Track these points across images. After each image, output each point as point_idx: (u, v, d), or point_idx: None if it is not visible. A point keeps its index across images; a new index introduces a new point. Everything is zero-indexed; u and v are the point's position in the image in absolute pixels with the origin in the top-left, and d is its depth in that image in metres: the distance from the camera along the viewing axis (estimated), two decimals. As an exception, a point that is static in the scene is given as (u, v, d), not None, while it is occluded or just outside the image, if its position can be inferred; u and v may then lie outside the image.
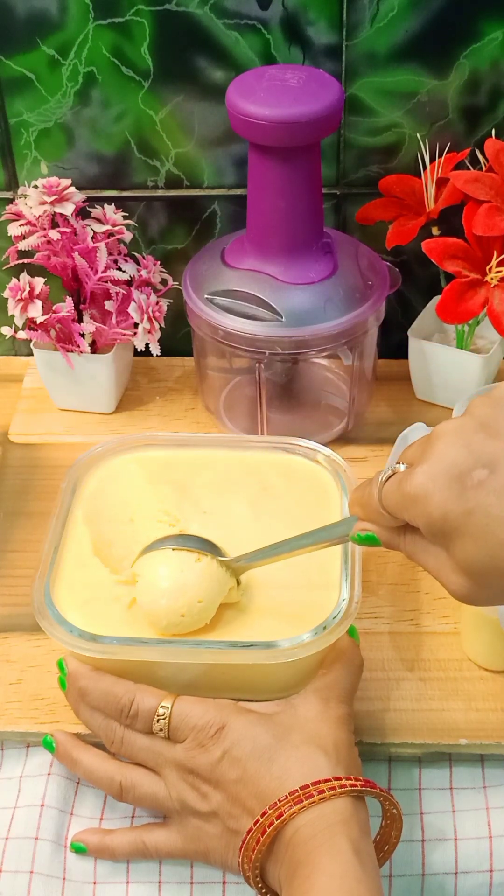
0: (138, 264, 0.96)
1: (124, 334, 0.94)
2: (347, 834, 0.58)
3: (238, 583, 0.72)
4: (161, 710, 0.64)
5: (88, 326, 0.93)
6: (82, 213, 0.95)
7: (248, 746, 0.62)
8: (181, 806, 0.64)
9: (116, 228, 0.94)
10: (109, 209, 0.94)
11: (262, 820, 0.59)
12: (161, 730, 0.64)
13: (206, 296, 0.88)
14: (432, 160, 0.92)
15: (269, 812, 0.59)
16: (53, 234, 0.90)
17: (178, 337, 1.03)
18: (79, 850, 0.67)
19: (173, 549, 0.71)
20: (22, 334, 0.93)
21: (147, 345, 0.93)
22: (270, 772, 0.61)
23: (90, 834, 0.67)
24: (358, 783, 0.60)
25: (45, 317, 0.91)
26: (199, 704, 0.64)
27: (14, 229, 0.91)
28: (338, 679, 0.66)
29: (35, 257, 0.92)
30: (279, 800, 0.59)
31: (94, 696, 0.66)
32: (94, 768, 0.67)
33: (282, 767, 0.61)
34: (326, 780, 0.60)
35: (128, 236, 0.94)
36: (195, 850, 0.64)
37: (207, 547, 0.71)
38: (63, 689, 0.70)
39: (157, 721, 0.64)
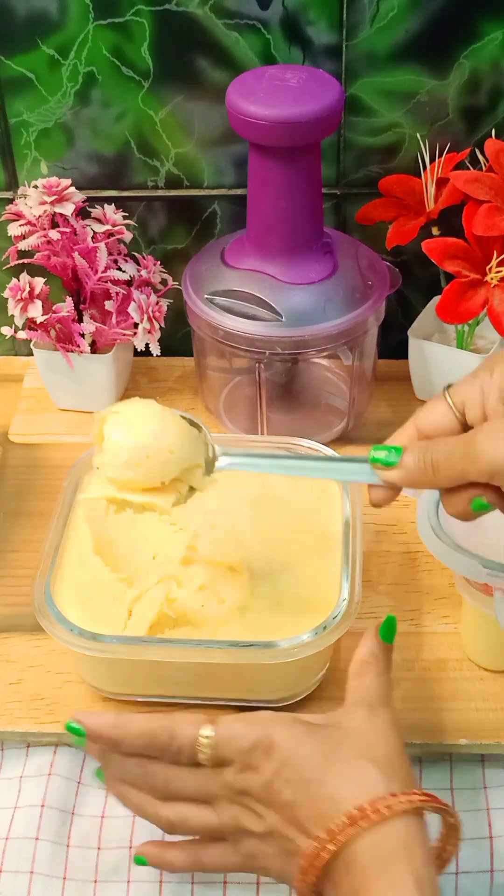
0: (138, 264, 0.96)
1: (124, 334, 0.94)
2: (409, 864, 0.54)
3: (209, 471, 0.67)
4: (202, 740, 0.58)
5: (88, 326, 0.93)
6: (82, 213, 0.95)
7: (298, 766, 0.57)
8: (235, 829, 0.59)
9: (116, 228, 0.94)
10: (109, 209, 0.94)
11: (317, 845, 0.55)
12: (207, 759, 0.58)
13: (206, 296, 0.88)
14: (432, 160, 0.92)
15: (324, 837, 0.55)
16: (53, 234, 0.90)
17: (178, 337, 1.03)
18: (140, 862, 0.63)
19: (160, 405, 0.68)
20: (22, 334, 0.93)
21: (147, 345, 0.93)
22: (323, 792, 0.56)
23: (150, 847, 0.63)
24: (415, 798, 0.56)
25: (45, 317, 0.91)
26: (240, 724, 0.58)
27: (14, 229, 0.91)
28: (374, 683, 0.62)
29: (35, 257, 0.92)
30: (334, 825, 0.55)
31: (129, 742, 0.59)
32: (142, 804, 0.62)
33: (334, 787, 0.56)
34: (382, 798, 0.55)
35: (128, 236, 0.94)
36: (253, 868, 0.60)
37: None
38: (79, 744, 0.61)
39: (201, 752, 0.58)
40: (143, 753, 0.59)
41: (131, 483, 0.65)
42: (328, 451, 0.80)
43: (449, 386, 0.59)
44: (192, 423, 0.67)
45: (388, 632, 0.62)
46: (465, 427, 0.58)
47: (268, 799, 0.57)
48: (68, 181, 0.92)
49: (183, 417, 0.68)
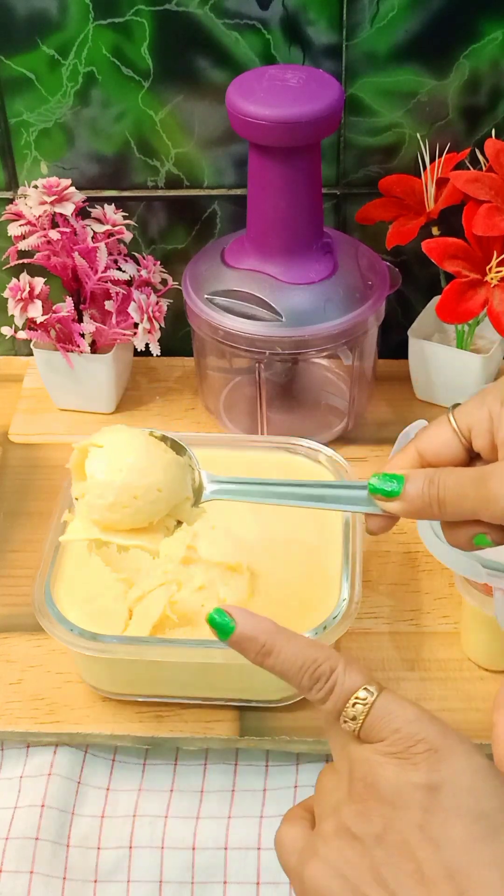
0: (138, 264, 0.96)
1: (124, 334, 0.94)
2: None
3: (196, 502, 0.63)
4: (363, 694, 0.48)
5: (88, 326, 0.93)
6: (82, 213, 0.95)
7: (466, 801, 0.44)
8: (333, 808, 0.48)
9: (116, 228, 0.94)
10: (109, 209, 0.94)
11: None
12: (354, 718, 0.48)
13: (206, 296, 0.88)
14: (432, 160, 0.92)
15: None
16: (53, 234, 0.90)
17: (178, 337, 1.03)
18: None
19: (147, 431, 0.64)
20: (22, 334, 0.94)
21: (147, 345, 0.93)
22: (494, 853, 0.43)
23: None
24: None
25: (45, 317, 0.91)
26: (413, 708, 0.48)
27: (14, 229, 0.91)
28: None
29: (35, 257, 0.92)
30: None
31: (284, 656, 0.50)
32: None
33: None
34: None
35: (128, 236, 0.94)
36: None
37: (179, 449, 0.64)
38: (223, 638, 0.52)
39: (354, 705, 0.48)
40: (287, 672, 0.50)
41: (117, 524, 0.61)
42: (329, 451, 0.80)
43: (454, 407, 0.55)
44: (175, 446, 0.64)
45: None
46: (471, 453, 0.55)
47: (397, 804, 0.45)
48: (68, 181, 0.92)
49: (165, 438, 0.64)
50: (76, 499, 0.64)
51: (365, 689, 0.48)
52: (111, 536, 0.62)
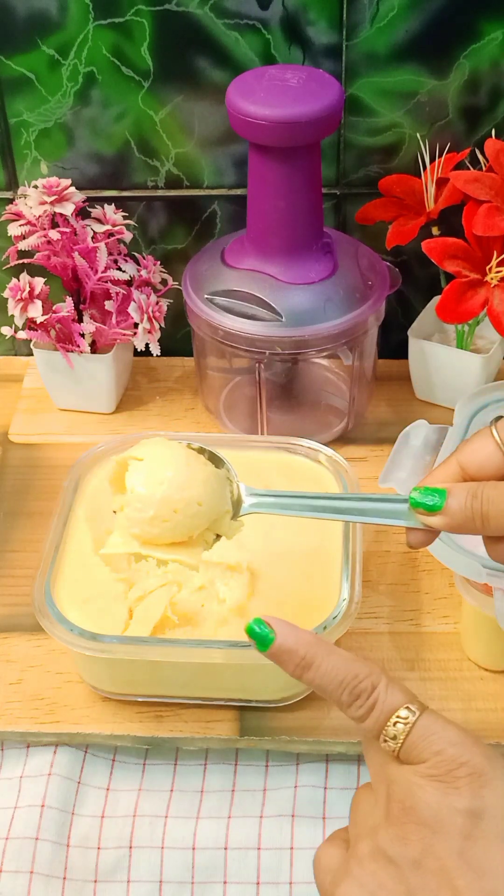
0: (138, 264, 0.96)
1: (124, 334, 0.94)
2: None
3: (235, 515, 0.63)
4: (404, 713, 0.47)
5: (88, 326, 0.93)
6: (82, 213, 0.95)
7: None
8: (370, 830, 0.47)
9: (116, 228, 0.94)
10: (109, 209, 0.94)
11: None
12: (394, 738, 0.47)
13: (206, 296, 0.88)
14: (432, 160, 0.92)
15: None
16: (53, 234, 0.90)
17: (178, 337, 1.03)
18: None
19: (180, 443, 0.63)
20: (22, 334, 0.94)
21: (147, 345, 0.93)
22: None
23: None
24: None
25: (45, 317, 0.91)
26: (456, 729, 0.47)
27: (14, 229, 0.91)
28: None
29: (35, 257, 0.92)
30: None
31: (324, 669, 0.49)
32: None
33: None
34: None
35: (128, 236, 0.94)
36: None
37: (220, 463, 0.64)
38: (262, 650, 0.51)
39: (395, 724, 0.47)
40: (327, 686, 0.49)
41: (157, 538, 0.61)
42: (329, 451, 0.80)
43: (497, 419, 0.53)
44: (213, 458, 0.64)
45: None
46: None
47: (437, 829, 0.44)
48: (68, 181, 0.92)
49: (203, 451, 0.64)
50: (115, 511, 0.64)
51: (407, 707, 0.47)
52: (150, 550, 0.62)
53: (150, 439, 0.64)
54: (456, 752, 0.45)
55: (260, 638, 0.50)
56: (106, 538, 0.75)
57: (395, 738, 0.47)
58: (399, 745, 0.46)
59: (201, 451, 0.64)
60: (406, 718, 0.47)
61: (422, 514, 0.53)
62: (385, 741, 0.47)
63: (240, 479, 0.64)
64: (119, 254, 0.95)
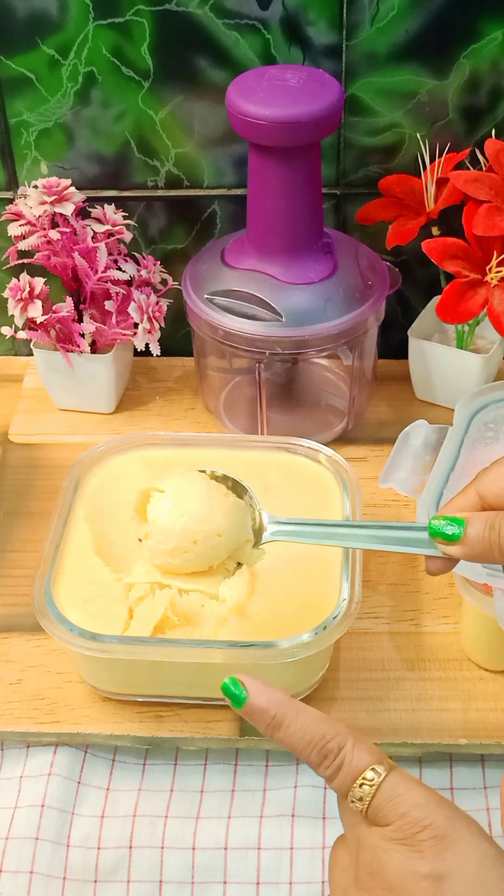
0: (138, 264, 0.96)
1: (124, 334, 0.94)
2: None
3: (257, 543, 0.65)
4: (370, 775, 0.47)
5: (88, 326, 0.93)
6: (82, 213, 0.95)
7: (471, 890, 0.44)
8: (342, 891, 0.48)
9: (116, 228, 0.94)
10: (109, 209, 0.94)
11: None
12: (360, 799, 0.47)
13: (206, 296, 0.88)
14: (432, 160, 0.92)
15: None
16: (53, 234, 0.90)
17: (178, 337, 1.03)
18: None
19: (206, 475, 0.65)
20: (22, 334, 0.94)
21: (147, 345, 0.93)
22: None
23: None
24: None
25: (45, 317, 0.91)
26: (420, 790, 0.47)
27: (14, 229, 0.91)
28: None
29: (35, 257, 0.92)
30: None
31: (293, 730, 0.50)
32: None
33: None
34: None
35: (128, 236, 0.94)
36: None
37: (237, 491, 0.65)
38: (236, 707, 0.51)
39: (361, 786, 0.47)
40: (296, 746, 0.50)
41: (178, 569, 0.63)
42: (329, 451, 0.80)
43: None
44: (236, 486, 0.65)
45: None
46: None
47: (400, 888, 0.45)
48: (68, 181, 0.92)
49: (227, 478, 0.66)
50: (139, 540, 0.65)
51: (373, 769, 0.48)
52: (171, 580, 0.64)
53: (175, 471, 0.65)
54: (419, 815, 0.46)
55: (233, 696, 0.51)
56: (108, 540, 0.76)
57: (361, 799, 0.47)
58: (366, 806, 0.47)
59: (225, 479, 0.66)
60: (371, 780, 0.47)
61: (441, 543, 0.54)
62: (353, 802, 0.48)
63: (262, 506, 0.66)
64: (119, 254, 0.95)
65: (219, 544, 0.63)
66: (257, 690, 0.51)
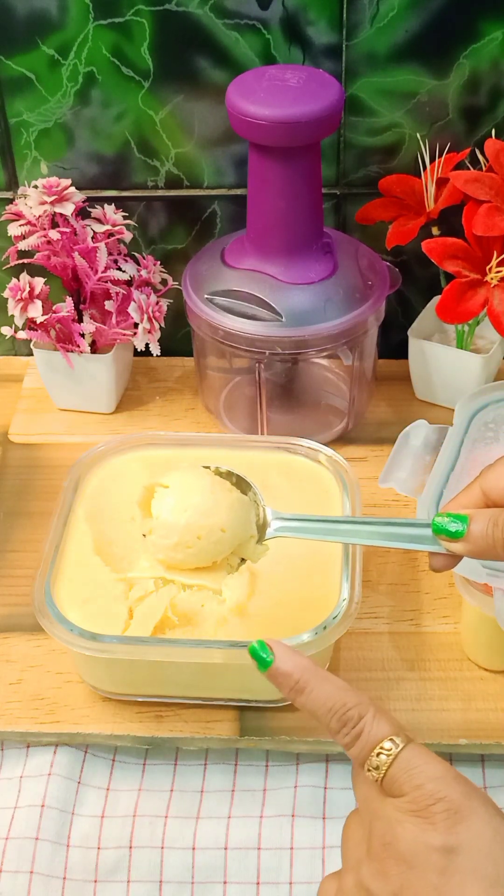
0: (138, 264, 0.96)
1: (124, 334, 0.94)
2: None
3: (261, 539, 0.66)
4: (388, 745, 0.48)
5: (88, 326, 0.93)
6: (82, 213, 0.95)
7: (483, 865, 0.44)
8: (355, 863, 0.49)
9: (116, 228, 0.94)
10: (109, 209, 0.94)
11: None
12: (376, 768, 0.48)
13: (206, 296, 0.88)
14: (432, 160, 0.92)
15: None
16: (53, 234, 0.90)
17: (178, 337, 1.03)
18: None
19: (211, 471, 0.65)
20: (22, 334, 0.94)
21: (147, 345, 0.93)
22: None
23: None
24: None
25: (45, 317, 0.91)
26: (438, 764, 0.47)
27: (14, 229, 0.91)
28: None
29: (35, 257, 0.92)
30: None
31: (316, 695, 0.50)
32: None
33: None
34: None
35: (128, 236, 0.94)
36: None
37: (242, 487, 0.65)
38: (262, 670, 0.52)
39: (378, 755, 0.48)
40: (317, 711, 0.50)
41: (181, 564, 0.63)
42: (329, 451, 0.80)
43: None
44: (240, 482, 0.65)
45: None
46: None
47: (415, 866, 0.45)
48: (68, 181, 0.92)
49: (231, 474, 0.66)
50: (143, 535, 0.66)
51: (391, 739, 0.48)
52: (175, 575, 0.64)
53: (180, 467, 0.65)
54: (434, 788, 0.46)
55: (260, 659, 0.52)
56: (108, 540, 0.76)
57: (377, 768, 0.48)
58: (382, 775, 0.48)
59: (229, 475, 0.66)
60: (389, 750, 0.48)
61: (444, 540, 0.54)
62: (369, 770, 0.48)
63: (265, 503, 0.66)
64: (119, 254, 0.95)
65: (222, 539, 0.63)
66: (284, 654, 0.51)
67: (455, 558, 0.55)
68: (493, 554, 0.53)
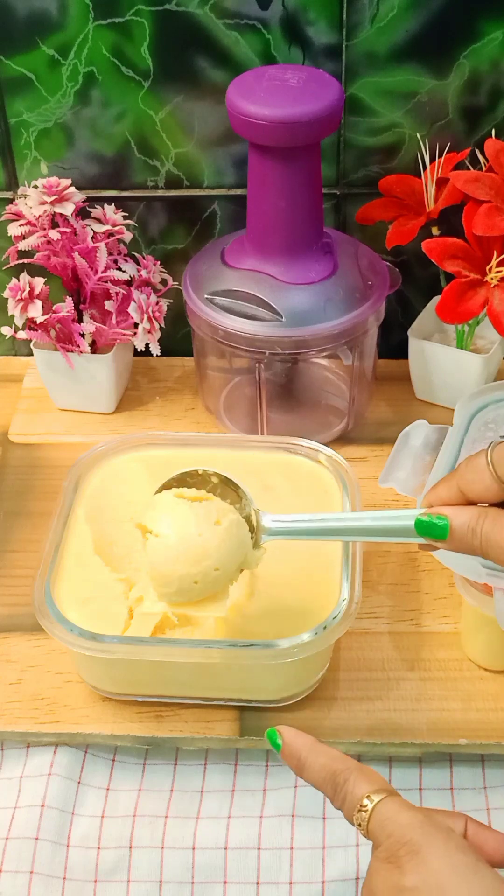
0: (138, 264, 0.96)
1: (124, 334, 0.94)
2: None
3: (257, 544, 0.67)
4: (366, 802, 0.53)
5: (88, 326, 0.93)
6: (82, 213, 0.95)
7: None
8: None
9: (116, 228, 0.94)
10: (109, 209, 0.94)
11: None
12: (360, 825, 0.53)
13: (206, 296, 0.88)
14: (432, 160, 0.92)
15: None
16: (53, 234, 0.90)
17: (178, 337, 1.03)
18: None
19: (190, 502, 0.65)
20: (22, 334, 0.94)
21: (147, 345, 0.93)
22: None
23: None
24: None
25: (45, 317, 0.91)
26: (408, 813, 0.52)
27: (14, 229, 0.91)
28: None
29: (35, 257, 0.92)
30: None
31: (313, 770, 0.56)
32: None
33: None
34: None
35: (128, 236, 0.94)
36: None
37: (226, 488, 0.67)
38: (277, 752, 0.59)
39: (359, 812, 0.53)
40: (317, 784, 0.56)
41: (185, 602, 0.65)
42: (329, 451, 0.80)
43: (493, 447, 0.56)
44: (225, 488, 0.66)
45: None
46: None
47: None
48: (68, 181, 0.92)
49: (216, 474, 0.66)
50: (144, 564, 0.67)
51: (368, 797, 0.53)
52: (179, 609, 0.66)
53: (162, 500, 0.66)
54: (401, 833, 0.50)
55: (274, 744, 0.58)
56: (108, 540, 0.76)
57: (360, 825, 0.53)
58: (364, 830, 0.52)
59: (215, 477, 0.66)
60: (366, 807, 0.52)
61: (428, 539, 0.58)
62: (358, 827, 0.53)
63: (253, 498, 0.67)
64: (119, 254, 0.95)
65: (218, 577, 0.64)
66: (290, 738, 0.57)
67: None
68: (475, 555, 0.56)
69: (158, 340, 0.94)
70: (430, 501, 0.58)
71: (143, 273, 0.95)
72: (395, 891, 0.49)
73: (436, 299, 0.96)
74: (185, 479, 0.67)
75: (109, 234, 0.94)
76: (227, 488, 0.66)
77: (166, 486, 0.67)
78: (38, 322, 0.92)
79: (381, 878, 0.50)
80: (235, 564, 0.65)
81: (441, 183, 0.92)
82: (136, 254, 0.98)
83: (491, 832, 0.53)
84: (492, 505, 0.56)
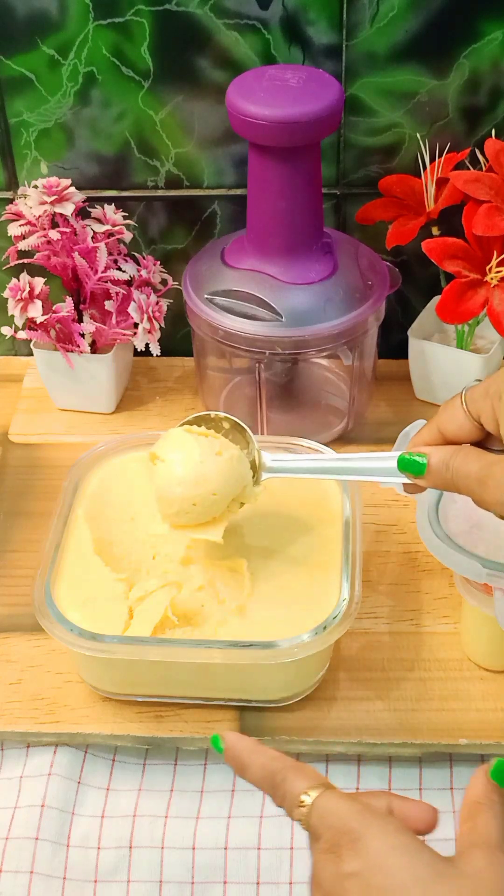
0: (138, 264, 0.96)
1: (124, 334, 0.94)
2: None
3: (257, 481, 0.73)
4: (304, 798, 0.53)
5: (88, 326, 0.93)
6: (82, 213, 0.95)
7: (378, 878, 0.49)
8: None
9: (116, 228, 0.94)
10: (109, 209, 0.94)
11: None
12: (300, 820, 0.53)
13: (206, 296, 0.88)
14: (432, 160, 0.92)
15: None
16: (53, 234, 0.90)
17: (178, 337, 1.03)
18: None
19: (196, 435, 0.72)
20: (22, 334, 0.94)
21: (147, 345, 0.93)
22: None
23: None
24: None
25: (45, 317, 0.91)
26: (345, 804, 0.52)
27: (14, 229, 0.91)
28: (491, 825, 0.53)
29: (35, 257, 0.92)
30: None
31: (252, 770, 0.56)
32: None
33: None
34: None
35: (128, 236, 0.94)
36: None
37: (236, 433, 0.74)
38: (220, 753, 0.59)
39: (299, 808, 0.53)
40: (260, 787, 0.56)
41: (185, 523, 0.71)
42: (328, 451, 0.80)
43: (468, 389, 0.61)
44: (236, 427, 0.73)
45: (499, 775, 0.55)
46: (487, 433, 0.60)
47: (333, 893, 0.50)
48: (68, 181, 0.92)
49: (227, 419, 0.74)
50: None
51: (306, 793, 0.53)
52: (181, 532, 0.73)
53: (170, 433, 0.73)
54: (340, 824, 0.51)
55: (216, 748, 0.58)
56: (108, 540, 0.76)
57: (300, 821, 0.53)
58: (306, 825, 0.52)
59: (221, 426, 0.73)
60: (304, 803, 0.53)
61: (409, 476, 0.62)
62: (300, 823, 0.53)
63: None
64: (119, 254, 0.95)
65: (216, 501, 0.70)
66: (231, 742, 0.57)
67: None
68: (451, 488, 0.60)
69: (158, 340, 0.94)
70: (415, 443, 0.62)
71: (143, 273, 0.95)
72: (341, 878, 0.50)
73: (436, 299, 0.96)
74: (198, 422, 0.74)
75: (109, 234, 0.94)
76: (237, 434, 0.73)
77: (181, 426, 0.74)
78: (38, 322, 0.92)
79: (326, 869, 0.51)
80: (233, 493, 0.71)
81: (441, 183, 0.92)
82: (136, 254, 0.98)
83: (412, 803, 0.54)
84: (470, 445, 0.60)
